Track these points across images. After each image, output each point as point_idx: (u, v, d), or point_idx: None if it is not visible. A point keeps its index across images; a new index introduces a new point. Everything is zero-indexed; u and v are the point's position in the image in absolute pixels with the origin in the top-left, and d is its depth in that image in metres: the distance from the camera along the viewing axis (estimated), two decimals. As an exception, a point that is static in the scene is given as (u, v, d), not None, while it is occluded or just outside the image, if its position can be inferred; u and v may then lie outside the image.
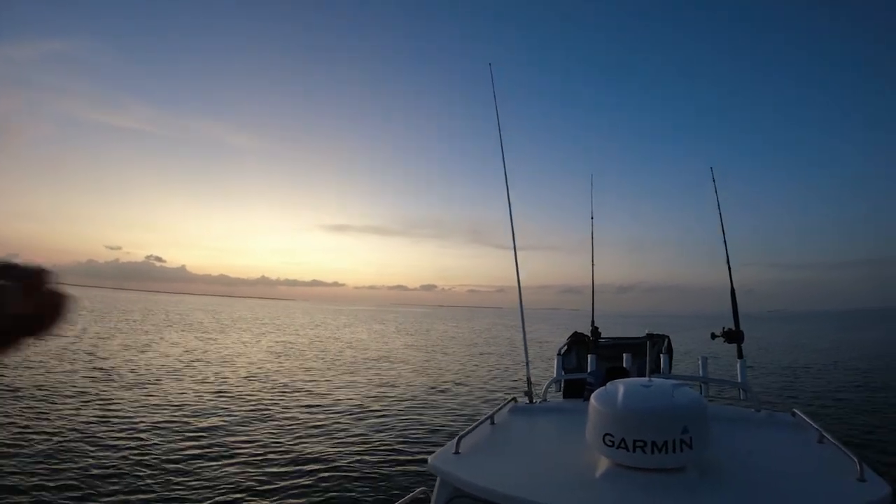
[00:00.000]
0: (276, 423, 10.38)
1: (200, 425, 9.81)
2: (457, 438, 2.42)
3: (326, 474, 7.43)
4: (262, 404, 12.13)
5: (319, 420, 10.75)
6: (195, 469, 7.35)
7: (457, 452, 2.34)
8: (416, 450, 8.70)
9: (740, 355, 3.83)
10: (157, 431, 9.21)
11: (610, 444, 2.01)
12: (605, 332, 4.54)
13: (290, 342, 31.13)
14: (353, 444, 9.05)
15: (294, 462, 7.87)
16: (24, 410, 10.17)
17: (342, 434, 9.68)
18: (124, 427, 9.37)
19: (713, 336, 4.01)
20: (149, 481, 6.83)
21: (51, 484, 6.54)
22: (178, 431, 9.29)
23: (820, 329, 64.15)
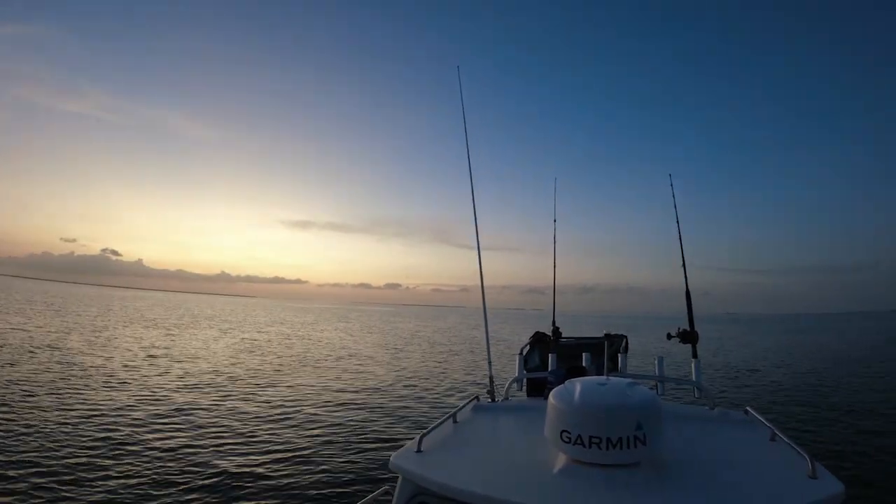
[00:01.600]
0: (237, 421, 10.18)
1: (161, 423, 9.54)
2: (419, 437, 2.44)
3: (288, 473, 7.32)
4: (223, 402, 11.86)
5: (281, 418, 10.59)
6: (157, 465, 7.15)
7: (419, 451, 2.36)
8: (379, 449, 8.68)
9: (695, 355, 3.94)
10: (121, 428, 8.90)
11: (567, 440, 2.07)
12: (567, 332, 4.64)
13: (253, 339, 30.48)
14: (315, 443, 8.95)
15: (255, 461, 7.74)
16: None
17: (304, 433, 9.56)
18: (89, 423, 9.02)
19: (669, 336, 4.13)
20: (115, 476, 6.61)
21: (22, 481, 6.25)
22: (140, 427, 9.00)
23: (771, 331, 66.99)
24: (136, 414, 10.26)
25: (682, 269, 4.36)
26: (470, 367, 21.05)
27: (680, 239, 4.41)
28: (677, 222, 4.47)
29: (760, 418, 2.89)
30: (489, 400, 3.41)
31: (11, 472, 6.73)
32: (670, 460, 2.19)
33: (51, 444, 7.95)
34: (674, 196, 4.61)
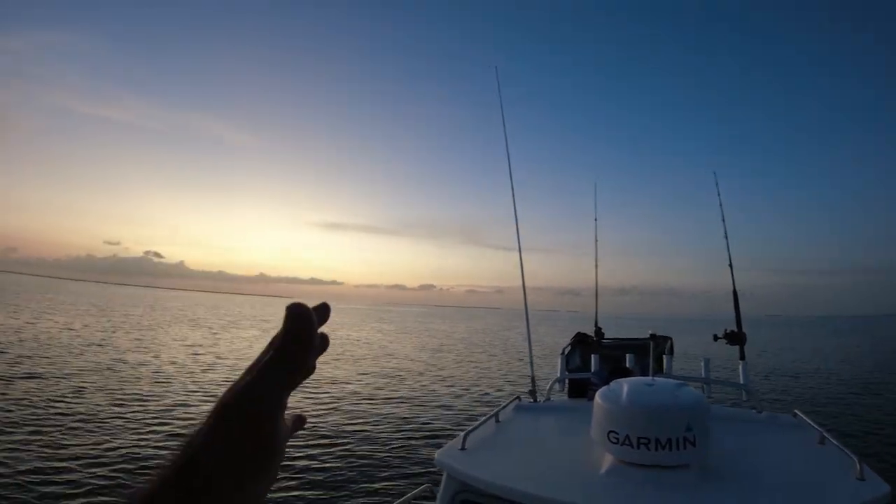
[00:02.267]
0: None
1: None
2: (463, 435, 2.47)
3: (332, 469, 7.48)
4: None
5: (324, 416, 10.80)
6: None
7: (463, 448, 2.39)
8: (420, 446, 8.78)
9: (742, 357, 3.86)
10: (170, 421, 9.27)
11: (614, 440, 2.06)
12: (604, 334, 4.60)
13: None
14: (358, 439, 9.12)
15: (298, 456, 7.92)
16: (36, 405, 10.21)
17: (347, 430, 9.73)
18: (139, 417, 9.43)
19: (716, 338, 4.06)
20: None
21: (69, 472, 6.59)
22: (186, 422, 9.34)
23: (816, 333, 64.59)
24: (183, 409, 10.64)
25: (729, 268, 4.27)
26: (508, 368, 21.00)
27: (726, 238, 4.32)
28: (723, 221, 4.38)
29: (809, 421, 2.84)
30: (531, 400, 3.41)
31: (71, 465, 7.09)
32: (718, 463, 2.16)
33: (105, 437, 8.33)
34: (719, 194, 4.51)
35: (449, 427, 10.31)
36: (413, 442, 9.14)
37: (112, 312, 43.04)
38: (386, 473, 7.46)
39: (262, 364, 0.38)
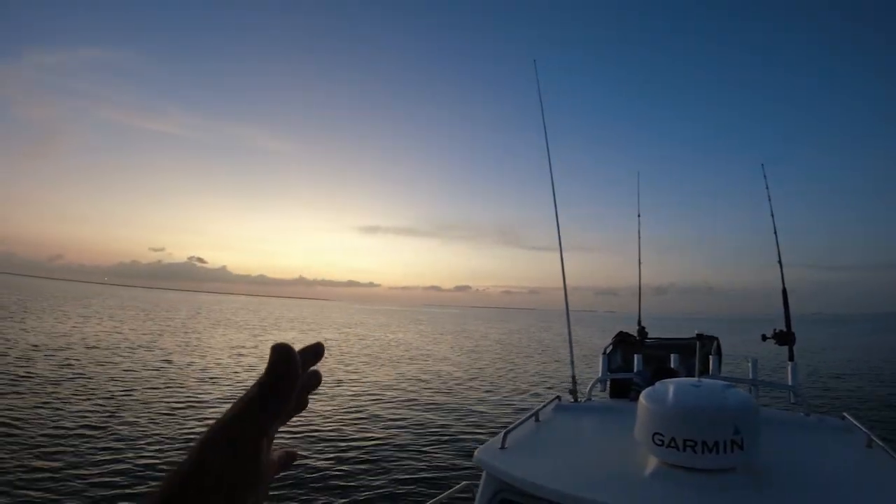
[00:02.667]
0: (322, 416, 10.62)
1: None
2: (503, 434, 2.44)
3: (372, 465, 7.59)
4: (311, 398, 12.41)
5: (365, 414, 10.95)
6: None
7: (503, 447, 2.36)
8: (458, 445, 8.80)
9: (791, 357, 3.73)
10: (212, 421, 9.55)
11: (660, 443, 2.00)
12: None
13: (333, 340, 31.72)
14: (397, 437, 9.22)
15: (340, 455, 8.05)
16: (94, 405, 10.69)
17: (386, 427, 9.85)
18: (186, 415, 9.77)
19: (764, 337, 3.92)
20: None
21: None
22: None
23: (863, 332, 61.84)
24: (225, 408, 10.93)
25: (779, 265, 4.12)
26: (545, 368, 20.83)
27: (775, 234, 4.17)
28: (772, 216, 4.22)
29: (857, 424, 2.74)
30: (571, 400, 3.36)
31: (121, 465, 7.39)
32: (766, 466, 2.10)
33: (155, 435, 8.65)
34: (767, 188, 4.35)
35: (487, 426, 10.29)
36: (452, 440, 9.18)
37: (157, 316, 44.64)
38: (424, 471, 7.52)
39: (246, 399, 0.41)
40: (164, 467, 7.19)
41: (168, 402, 11.18)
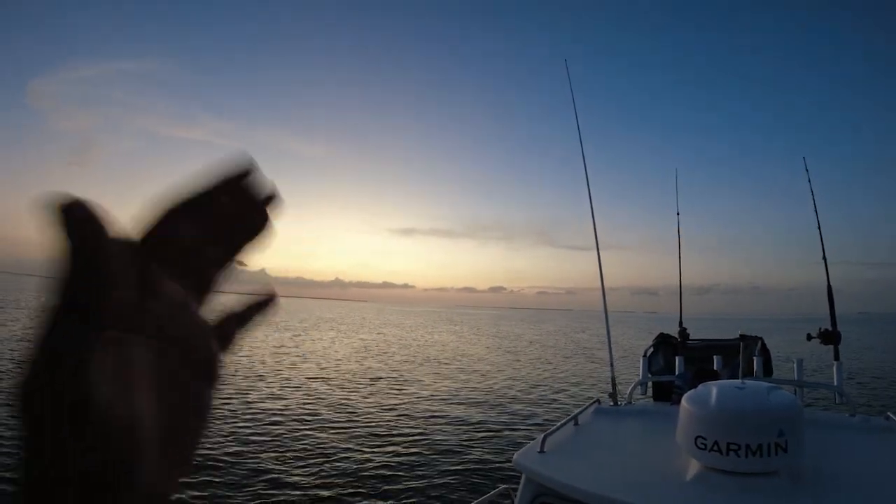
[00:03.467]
0: (360, 416, 10.81)
1: (289, 416, 10.41)
2: (542, 437, 2.45)
3: (408, 468, 7.67)
4: (348, 399, 12.70)
5: (403, 416, 11.07)
6: (288, 457, 7.83)
7: (542, 451, 2.37)
8: (496, 447, 8.80)
9: (836, 357, 3.63)
10: (251, 423, 9.89)
11: (702, 446, 1.98)
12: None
13: (371, 340, 32.24)
14: (433, 440, 9.28)
15: (378, 456, 8.17)
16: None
17: (423, 430, 9.93)
18: (228, 414, 10.12)
19: (809, 337, 3.82)
20: (246, 464, 7.36)
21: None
22: (268, 423, 9.92)
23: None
24: (266, 407, 11.27)
25: (823, 262, 4.00)
26: (583, 370, 20.59)
27: (819, 230, 4.04)
28: (815, 211, 4.09)
29: None
30: (611, 403, 3.33)
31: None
32: (809, 469, 2.06)
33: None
34: (810, 182, 4.23)
35: (524, 428, 10.25)
36: (489, 442, 9.17)
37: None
38: (462, 474, 7.54)
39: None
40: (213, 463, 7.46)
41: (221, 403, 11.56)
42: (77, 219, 0.24)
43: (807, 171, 4.32)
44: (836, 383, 3.45)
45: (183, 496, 6.32)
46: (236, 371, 16.15)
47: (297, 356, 21.33)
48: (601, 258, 3.95)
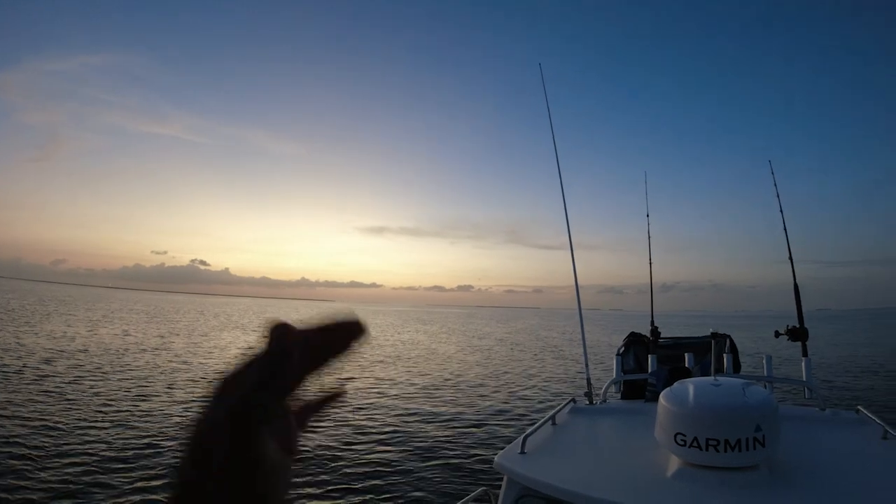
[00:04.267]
0: (338, 421, 10.66)
1: None
2: (522, 438, 2.46)
3: (388, 472, 7.58)
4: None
5: (379, 419, 10.94)
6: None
7: (522, 452, 2.38)
8: (473, 448, 8.75)
9: (805, 353, 3.75)
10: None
11: (682, 443, 2.03)
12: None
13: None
14: (411, 442, 9.20)
15: (356, 459, 8.05)
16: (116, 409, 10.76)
17: (400, 433, 9.83)
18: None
19: (777, 334, 3.94)
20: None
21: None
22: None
23: (869, 326, 62.34)
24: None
25: (789, 261, 4.14)
26: (554, 368, 20.81)
27: (785, 230, 4.18)
28: (781, 212, 4.23)
29: (873, 417, 2.80)
30: (586, 402, 3.37)
31: (140, 463, 7.44)
32: (786, 462, 2.14)
33: (160, 438, 8.70)
34: (775, 185, 4.37)
35: (500, 429, 10.26)
36: (466, 444, 9.13)
37: (162, 319, 44.64)
38: (441, 476, 7.48)
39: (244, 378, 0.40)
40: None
41: (178, 405, 11.25)
42: (277, 330, 0.42)
43: (772, 174, 4.48)
44: (805, 379, 3.57)
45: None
46: (194, 374, 15.75)
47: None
48: (566, 258, 3.99)
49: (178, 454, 0.39)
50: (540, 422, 2.80)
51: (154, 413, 10.46)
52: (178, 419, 10.06)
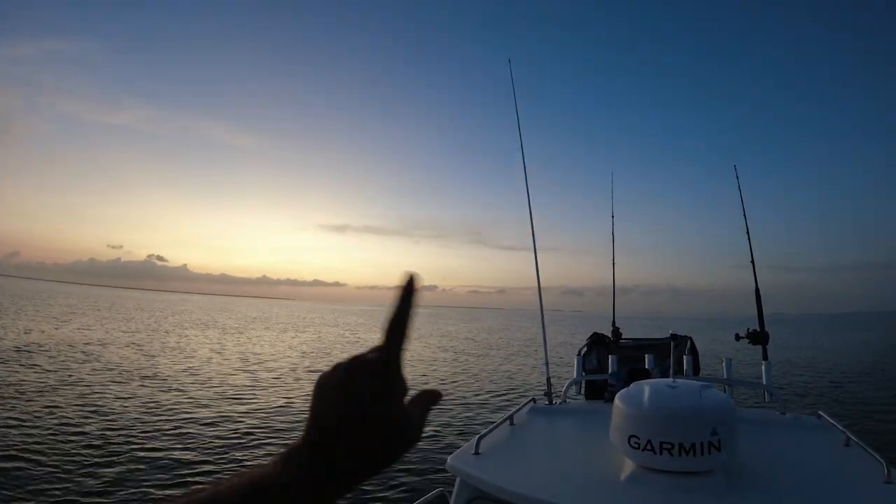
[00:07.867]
0: (289, 418, 10.46)
1: (239, 424, 10.01)
2: (476, 439, 2.38)
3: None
4: (287, 401, 12.36)
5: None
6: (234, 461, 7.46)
7: (476, 453, 2.30)
8: (431, 450, 8.65)
9: (765, 357, 3.73)
10: (202, 427, 9.46)
11: (635, 446, 1.96)
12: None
13: (308, 340, 31.41)
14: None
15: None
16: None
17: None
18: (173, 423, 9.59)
19: (738, 337, 3.92)
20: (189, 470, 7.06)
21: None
22: (218, 425, 9.56)
23: (824, 330, 64.51)
24: (201, 412, 10.72)
25: (751, 265, 4.15)
26: (517, 368, 20.92)
27: (748, 235, 4.21)
28: (744, 216, 4.26)
29: (833, 422, 2.74)
30: (546, 402, 3.31)
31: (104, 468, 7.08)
32: (743, 467, 2.08)
33: (133, 439, 8.32)
34: (740, 189, 4.40)
35: (459, 428, 10.21)
36: (423, 445, 9.03)
37: (119, 316, 43.08)
38: (395, 478, 7.36)
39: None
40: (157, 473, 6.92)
41: (145, 407, 10.80)
42: (409, 282, 0.48)
43: (737, 178, 4.47)
44: (765, 382, 3.53)
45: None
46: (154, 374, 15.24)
47: (241, 359, 20.37)
48: (530, 259, 3.94)
49: (319, 398, 0.46)
50: (497, 422, 2.73)
51: (107, 416, 10.02)
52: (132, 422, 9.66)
